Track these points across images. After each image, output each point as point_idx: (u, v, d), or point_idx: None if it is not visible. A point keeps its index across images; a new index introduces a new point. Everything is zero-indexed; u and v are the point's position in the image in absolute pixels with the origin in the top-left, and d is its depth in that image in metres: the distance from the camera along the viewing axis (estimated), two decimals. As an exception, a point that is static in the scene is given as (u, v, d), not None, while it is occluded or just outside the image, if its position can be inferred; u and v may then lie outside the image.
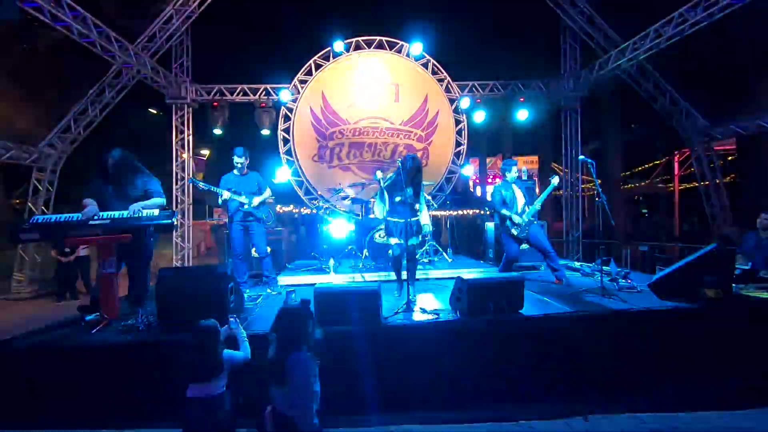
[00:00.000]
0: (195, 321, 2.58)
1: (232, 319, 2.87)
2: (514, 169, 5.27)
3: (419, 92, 8.71)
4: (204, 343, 2.51)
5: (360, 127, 8.63)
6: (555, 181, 5.39)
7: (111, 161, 3.88)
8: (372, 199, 6.59)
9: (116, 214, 3.70)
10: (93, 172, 3.99)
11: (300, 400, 2.09)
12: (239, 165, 5.23)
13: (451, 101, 8.77)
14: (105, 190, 3.88)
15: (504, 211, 5.11)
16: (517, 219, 5.06)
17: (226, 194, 5.07)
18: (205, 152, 16.25)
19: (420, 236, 4.55)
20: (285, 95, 8.48)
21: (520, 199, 5.17)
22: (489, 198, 5.41)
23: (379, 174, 4.56)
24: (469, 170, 8.40)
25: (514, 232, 5.10)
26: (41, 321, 3.98)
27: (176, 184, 8.92)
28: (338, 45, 8.46)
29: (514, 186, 5.23)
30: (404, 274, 4.53)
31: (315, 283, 4.96)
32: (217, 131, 8.68)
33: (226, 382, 2.54)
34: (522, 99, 8.90)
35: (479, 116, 8.80)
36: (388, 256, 4.82)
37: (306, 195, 8.59)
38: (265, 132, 8.62)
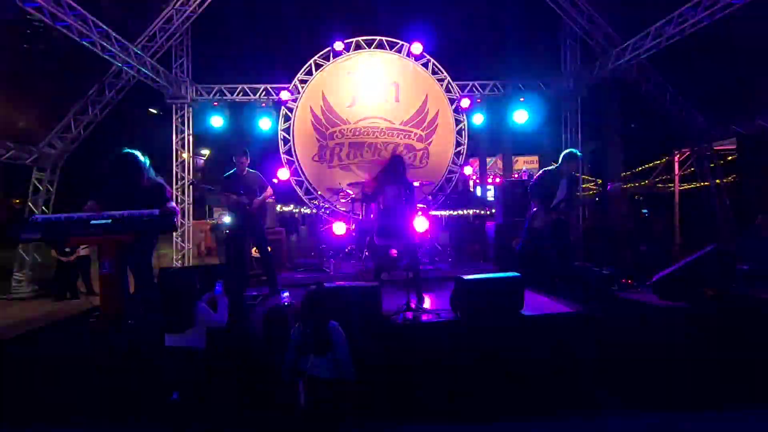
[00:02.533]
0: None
1: (217, 284, 2.90)
2: (571, 163, 5.06)
3: (419, 92, 8.71)
4: (178, 292, 2.63)
5: (360, 127, 8.63)
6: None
7: (121, 162, 3.89)
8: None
9: (116, 214, 3.70)
10: (98, 173, 4.00)
11: (345, 359, 2.50)
12: (240, 165, 5.23)
13: (451, 101, 8.77)
14: (113, 193, 3.88)
15: (536, 201, 4.98)
16: (540, 215, 4.93)
17: (227, 195, 5.07)
18: (205, 152, 16.25)
19: (416, 238, 4.56)
20: (285, 95, 8.48)
21: (560, 195, 5.01)
22: (533, 182, 5.20)
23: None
24: (469, 170, 8.40)
25: (536, 224, 5.01)
26: (41, 321, 3.99)
27: (176, 184, 8.91)
28: (338, 45, 8.46)
29: (562, 180, 5.03)
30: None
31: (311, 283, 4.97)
32: (217, 125, 8.66)
33: (206, 339, 2.57)
34: (522, 99, 8.90)
35: (479, 117, 8.80)
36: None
37: (306, 195, 8.59)
38: (266, 125, 8.57)
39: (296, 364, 2.52)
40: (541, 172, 5.17)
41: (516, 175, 16.40)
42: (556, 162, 5.37)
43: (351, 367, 2.53)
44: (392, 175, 4.49)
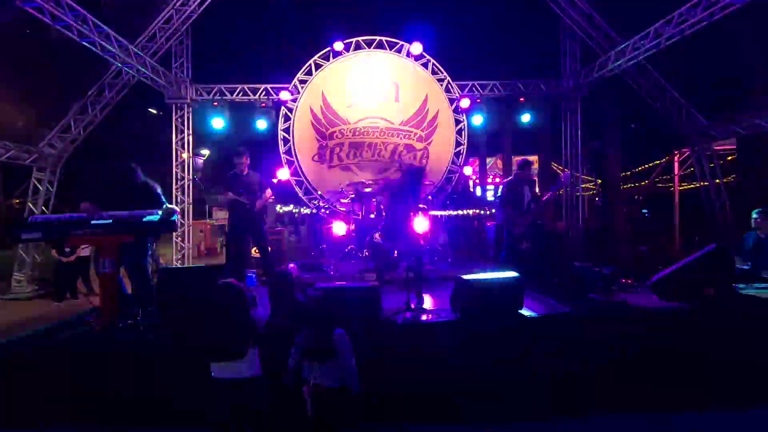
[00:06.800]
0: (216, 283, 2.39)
1: (249, 276, 2.72)
2: (528, 169, 5.29)
3: (419, 92, 8.71)
4: (231, 307, 2.28)
5: (360, 127, 8.63)
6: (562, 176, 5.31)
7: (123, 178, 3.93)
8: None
9: (117, 214, 3.70)
10: (94, 180, 4.02)
11: (349, 368, 2.44)
12: (240, 165, 5.23)
13: (451, 101, 8.77)
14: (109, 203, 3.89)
15: (508, 209, 5.14)
16: (519, 218, 5.09)
17: (227, 195, 5.08)
18: (205, 152, 16.23)
19: (420, 239, 4.59)
20: (285, 95, 8.48)
21: (526, 198, 5.21)
22: (497, 194, 5.42)
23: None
24: (469, 170, 8.40)
25: (515, 231, 5.15)
26: (41, 321, 3.99)
27: (176, 184, 8.91)
28: (338, 45, 8.46)
29: (524, 186, 5.26)
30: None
31: (315, 283, 4.97)
32: (217, 126, 8.68)
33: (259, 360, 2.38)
34: (522, 99, 8.90)
35: (479, 116, 8.81)
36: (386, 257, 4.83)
37: (306, 195, 8.60)
38: (262, 125, 8.61)
39: (300, 371, 2.47)
40: (505, 182, 5.38)
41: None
42: (557, 164, 5.45)
43: (356, 377, 2.47)
44: (408, 186, 4.53)
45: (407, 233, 4.41)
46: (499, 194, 5.40)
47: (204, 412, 2.51)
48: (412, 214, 4.46)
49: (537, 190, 5.51)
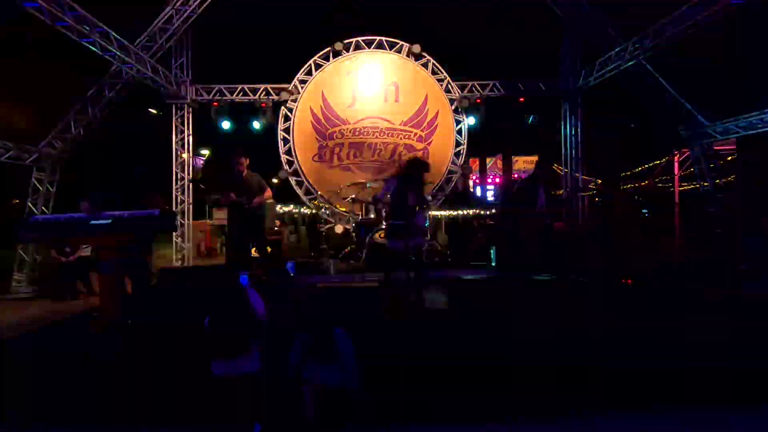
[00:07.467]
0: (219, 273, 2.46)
1: (242, 277, 2.76)
2: (546, 168, 5.19)
3: (419, 92, 8.72)
4: (233, 304, 2.34)
5: (360, 127, 8.63)
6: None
7: None
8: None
9: (116, 214, 3.70)
10: (93, 177, 3.99)
11: (350, 367, 2.43)
12: (239, 166, 5.23)
13: (451, 101, 8.77)
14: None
15: (513, 208, 5.06)
16: (526, 224, 4.99)
17: (228, 196, 5.08)
18: (205, 152, 16.23)
19: (423, 237, 4.59)
20: (285, 95, 8.48)
21: (540, 199, 5.07)
22: (496, 194, 5.32)
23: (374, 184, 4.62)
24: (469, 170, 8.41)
25: (522, 234, 5.06)
26: (41, 321, 3.99)
27: (176, 184, 8.91)
28: (338, 45, 8.46)
29: (539, 186, 5.13)
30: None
31: (315, 284, 4.98)
32: (226, 128, 8.69)
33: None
34: (522, 99, 8.90)
35: (478, 117, 8.80)
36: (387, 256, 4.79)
37: (306, 195, 8.59)
38: (257, 125, 8.63)
39: (300, 371, 2.46)
40: (519, 182, 5.23)
41: (516, 175, 16.45)
42: (557, 165, 5.41)
43: (357, 376, 2.45)
44: (413, 179, 4.49)
45: (416, 232, 4.38)
46: (512, 192, 5.25)
47: (204, 410, 2.51)
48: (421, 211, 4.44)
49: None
